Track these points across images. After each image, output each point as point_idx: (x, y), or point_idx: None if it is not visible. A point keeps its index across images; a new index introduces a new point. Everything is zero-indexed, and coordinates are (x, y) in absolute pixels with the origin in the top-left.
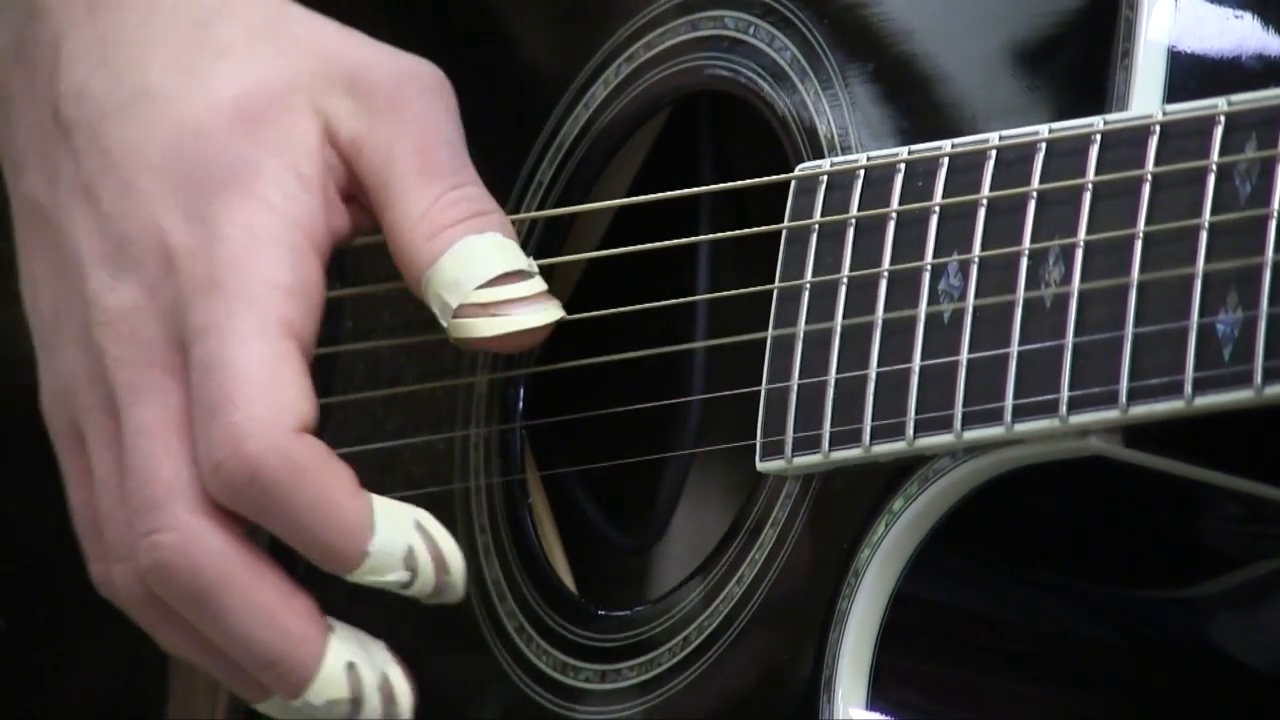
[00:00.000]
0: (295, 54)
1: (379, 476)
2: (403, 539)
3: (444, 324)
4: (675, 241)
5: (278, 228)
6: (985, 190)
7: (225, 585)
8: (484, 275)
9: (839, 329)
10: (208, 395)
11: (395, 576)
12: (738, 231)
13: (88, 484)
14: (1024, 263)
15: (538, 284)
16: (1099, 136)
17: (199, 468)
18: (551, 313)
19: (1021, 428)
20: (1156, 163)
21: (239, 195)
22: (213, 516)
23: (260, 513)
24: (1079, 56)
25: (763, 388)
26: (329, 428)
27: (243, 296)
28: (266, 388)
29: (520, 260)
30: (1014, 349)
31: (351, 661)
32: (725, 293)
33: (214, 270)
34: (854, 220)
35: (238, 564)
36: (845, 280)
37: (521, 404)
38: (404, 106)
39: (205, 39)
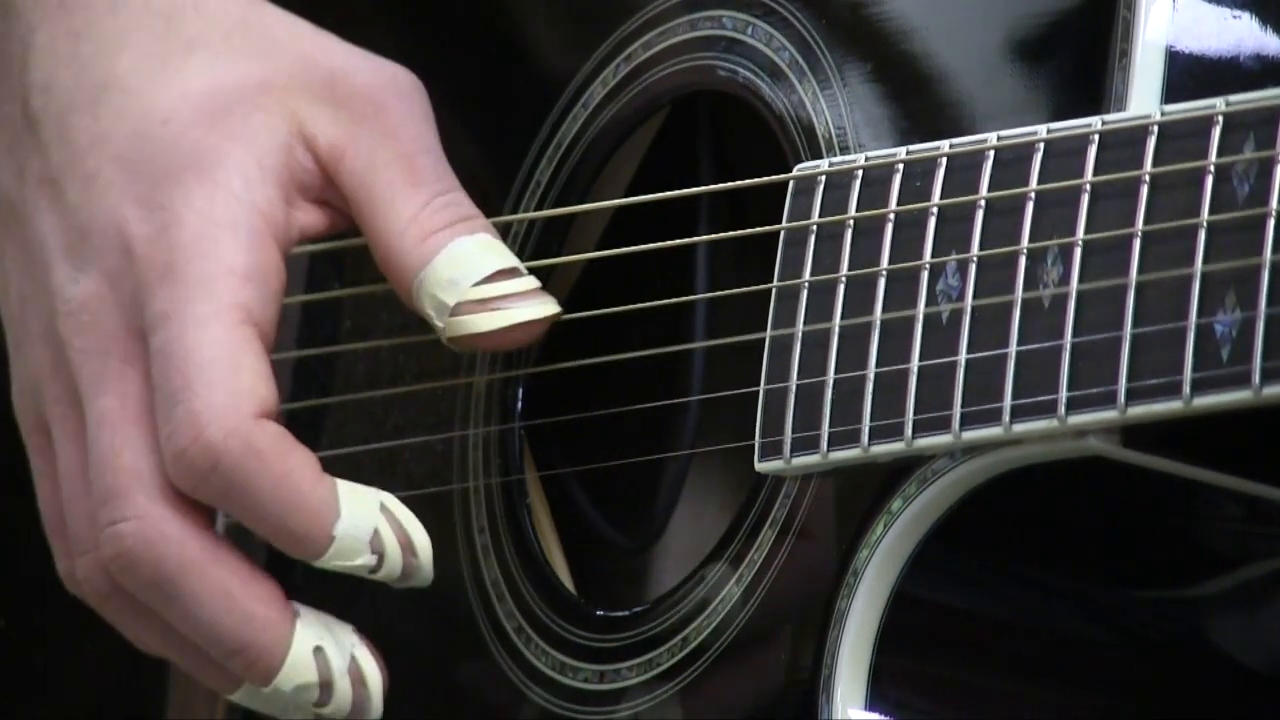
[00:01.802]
0: (271, 54)
1: (378, 476)
2: (368, 522)
3: (439, 324)
4: (674, 242)
5: (236, 213)
6: (983, 190)
7: (188, 572)
8: (480, 272)
9: (837, 329)
10: (168, 383)
11: (362, 560)
12: (736, 232)
13: (54, 479)
14: (1022, 263)
15: (531, 280)
16: (1097, 137)
17: (162, 455)
18: (549, 306)
19: (1020, 428)
20: (1155, 163)
21: (198, 181)
22: (174, 504)
23: (224, 499)
24: (1077, 57)
25: (761, 388)
26: (329, 428)
27: (200, 282)
28: (226, 374)
29: (511, 259)
30: (1012, 349)
31: (319, 645)
32: (723, 291)
33: (171, 257)
34: (852, 220)
35: (200, 551)
36: (843, 280)
37: (520, 404)
38: (385, 114)
39: (177, 33)
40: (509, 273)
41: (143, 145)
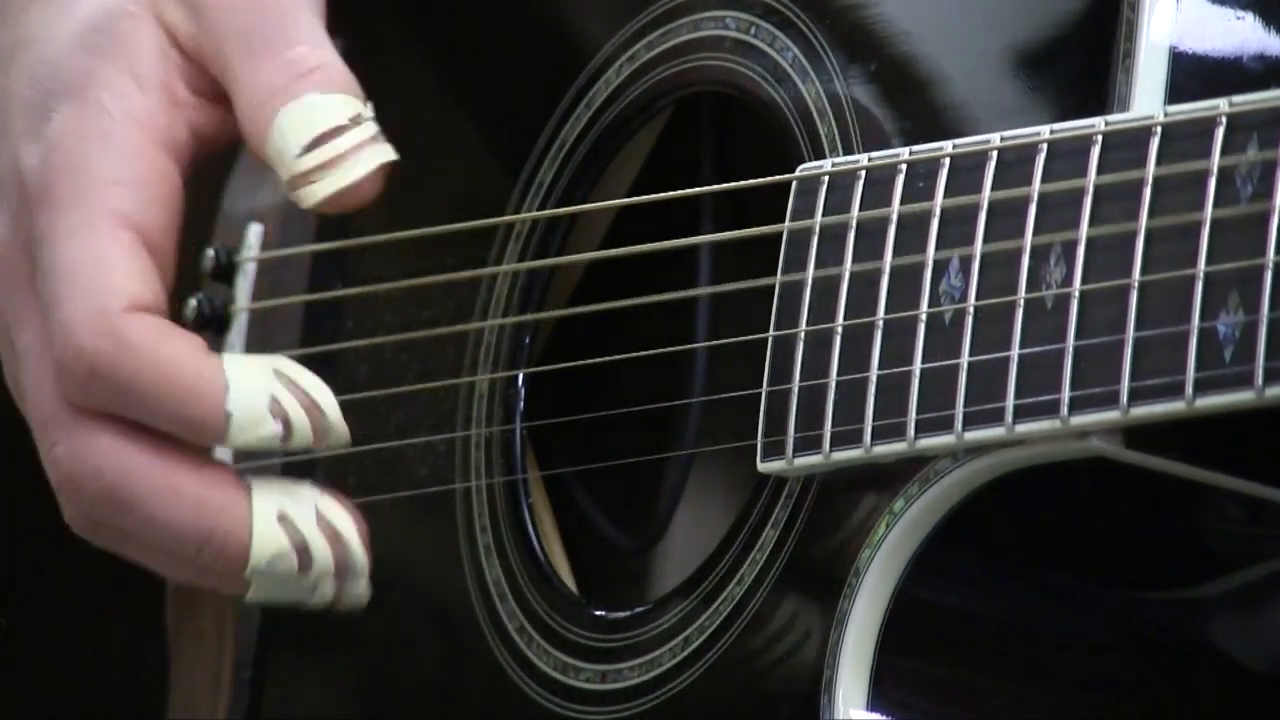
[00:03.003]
0: None
1: (380, 476)
2: (262, 389)
3: (292, 198)
4: (677, 242)
5: (106, 125)
6: (986, 191)
7: (128, 477)
8: (300, 141)
9: (840, 329)
10: (44, 299)
11: (268, 430)
12: (739, 232)
13: None
14: (1025, 263)
15: (361, 131)
16: (1100, 137)
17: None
18: (377, 155)
19: (1022, 429)
20: (1158, 164)
21: (71, 104)
22: (96, 417)
23: (112, 400)
24: (1080, 57)
25: (764, 389)
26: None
27: (69, 197)
28: (92, 277)
29: (341, 113)
30: (1015, 350)
31: (281, 512)
32: (725, 286)
33: (47, 180)
34: (855, 221)
35: (135, 453)
36: (846, 280)
37: (523, 404)
38: None
39: None
40: (337, 130)
41: (35, 85)
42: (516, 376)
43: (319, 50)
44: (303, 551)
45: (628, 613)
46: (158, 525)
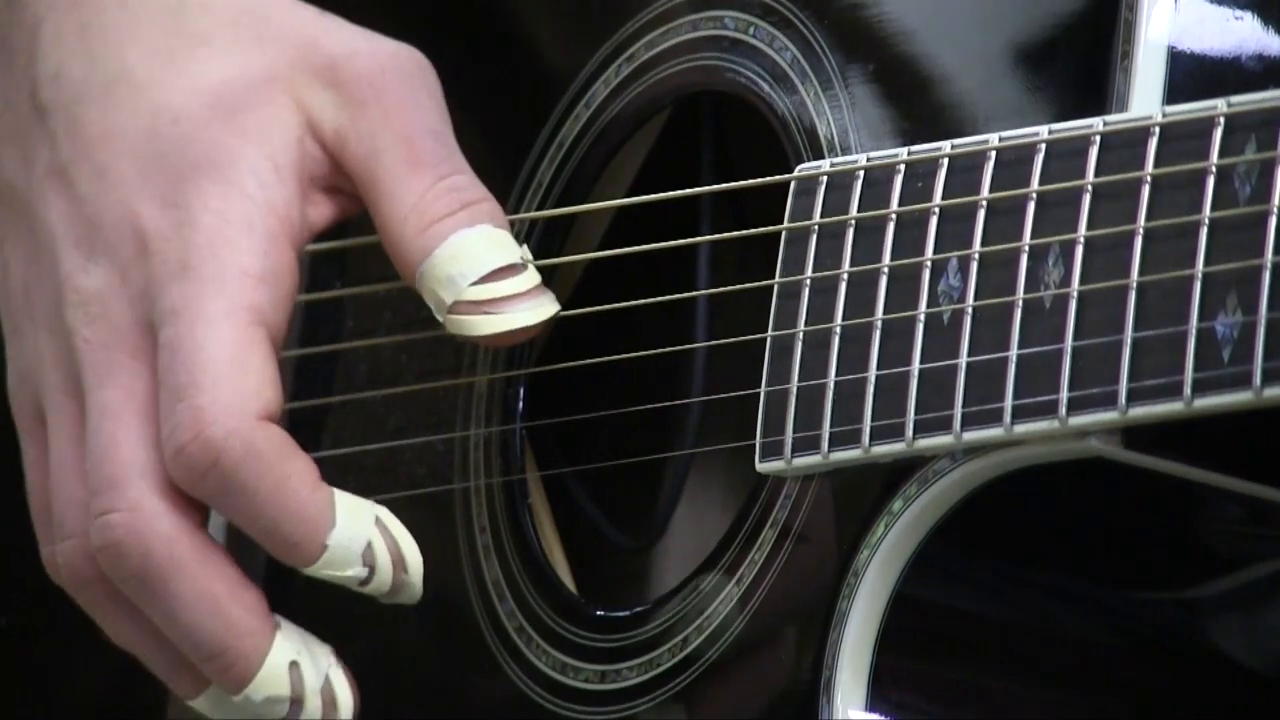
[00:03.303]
0: (275, 44)
1: (380, 476)
2: (362, 534)
3: (440, 318)
4: (676, 242)
5: (251, 214)
6: (985, 191)
7: (174, 570)
8: (477, 272)
9: (839, 330)
10: (174, 378)
11: (353, 572)
12: (738, 232)
13: (44, 467)
14: (1023, 264)
15: (532, 277)
16: (1098, 138)
17: (162, 450)
18: (546, 308)
19: (1021, 429)
20: (1156, 164)
21: (214, 181)
22: (168, 499)
23: (220, 498)
24: (1079, 58)
25: (762, 389)
26: (330, 427)
27: (213, 281)
28: (232, 373)
29: (514, 253)
30: (1013, 350)
31: (295, 660)
32: (724, 288)
33: (186, 255)
34: (854, 221)
35: (189, 549)
36: (845, 281)
37: (522, 404)
38: (386, 95)
39: (183, 26)
40: (510, 270)
41: (155, 142)
42: (515, 376)
43: (477, 184)
44: (297, 704)
45: (627, 613)
46: (179, 623)
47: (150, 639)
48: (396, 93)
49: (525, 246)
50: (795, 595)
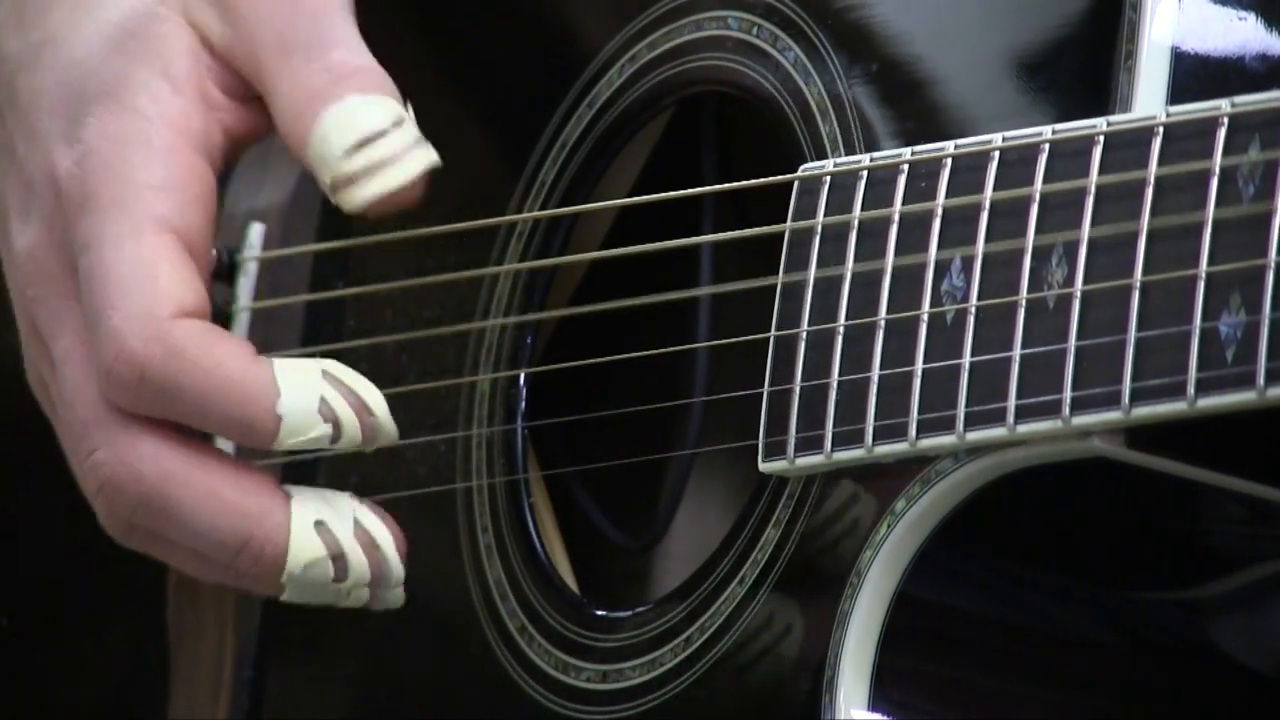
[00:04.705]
0: None
1: (381, 476)
2: (312, 392)
3: (334, 204)
4: (678, 242)
5: (145, 130)
6: (988, 191)
7: (168, 483)
8: (344, 144)
9: (842, 330)
10: (90, 306)
11: (318, 432)
12: (741, 232)
13: None
14: (1027, 263)
15: (404, 134)
16: (1102, 138)
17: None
18: (421, 159)
19: (1024, 429)
20: (1160, 164)
21: (107, 108)
22: (137, 422)
23: (162, 406)
24: (1082, 58)
25: (765, 389)
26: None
27: (112, 203)
28: (140, 283)
29: (384, 117)
30: (1017, 350)
31: (319, 519)
32: (727, 285)
33: (87, 185)
34: (857, 221)
35: (175, 459)
36: (848, 280)
37: (524, 404)
38: None
39: None
40: (382, 134)
41: (67, 89)
42: (518, 376)
43: (356, 53)
44: (339, 559)
45: (629, 612)
46: (196, 530)
47: (205, 564)
48: None
49: (403, 103)
50: (797, 595)
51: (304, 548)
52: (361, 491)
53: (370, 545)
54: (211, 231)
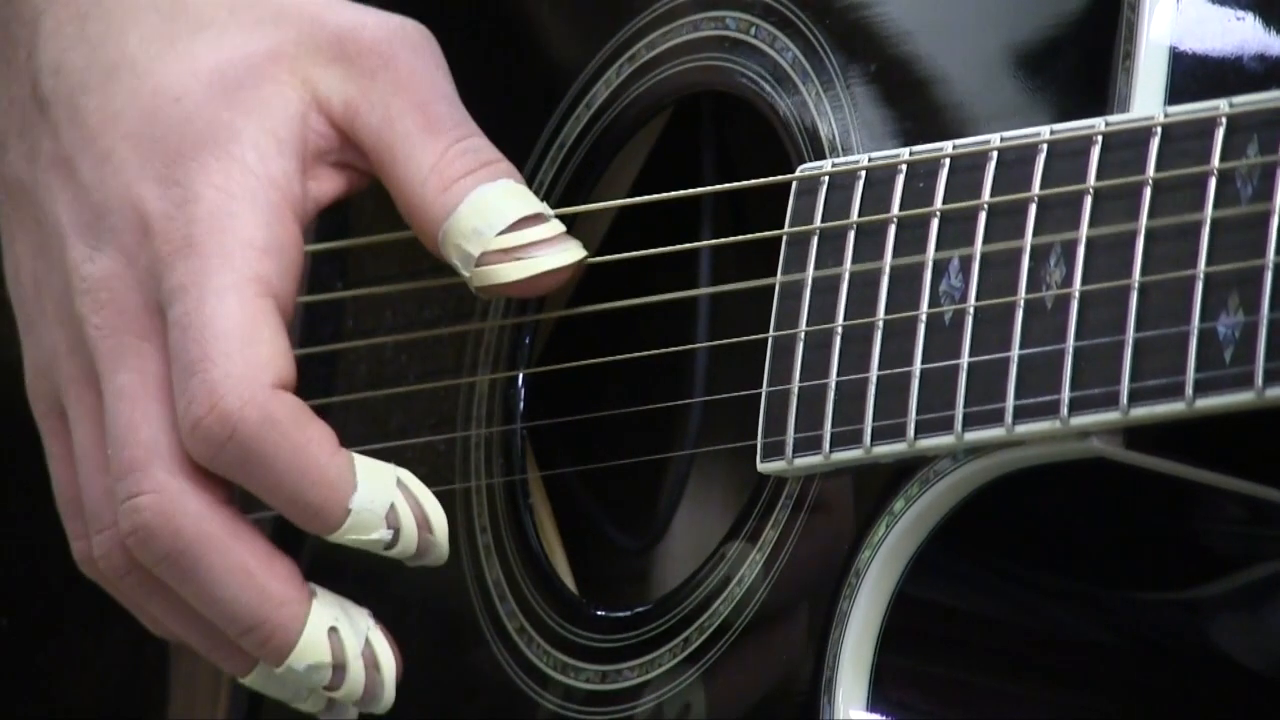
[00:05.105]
0: (277, 23)
1: None
2: (385, 496)
3: (466, 274)
4: (677, 247)
5: (253, 187)
6: (986, 192)
7: (205, 546)
8: (503, 221)
9: (840, 330)
10: (185, 354)
11: (378, 535)
12: (739, 237)
13: (69, 460)
14: (1025, 264)
15: (555, 225)
16: (1100, 138)
17: (179, 428)
18: (574, 252)
19: (1022, 429)
20: (1158, 165)
21: (214, 157)
22: (193, 478)
23: (240, 470)
24: (1080, 58)
25: (763, 389)
26: (331, 427)
27: (218, 255)
28: (243, 344)
29: (535, 205)
30: (1015, 351)
31: (334, 626)
32: (725, 287)
33: (189, 231)
34: (855, 221)
35: (218, 525)
36: (846, 281)
37: (523, 404)
38: (395, 65)
39: (183, 10)
40: (534, 219)
41: (156, 124)
42: (516, 376)
43: (490, 144)
44: (339, 670)
45: (628, 613)
46: (215, 599)
47: (193, 624)
48: (407, 62)
49: (545, 202)
50: (796, 596)
51: (313, 648)
52: None
53: (372, 666)
54: (296, 304)
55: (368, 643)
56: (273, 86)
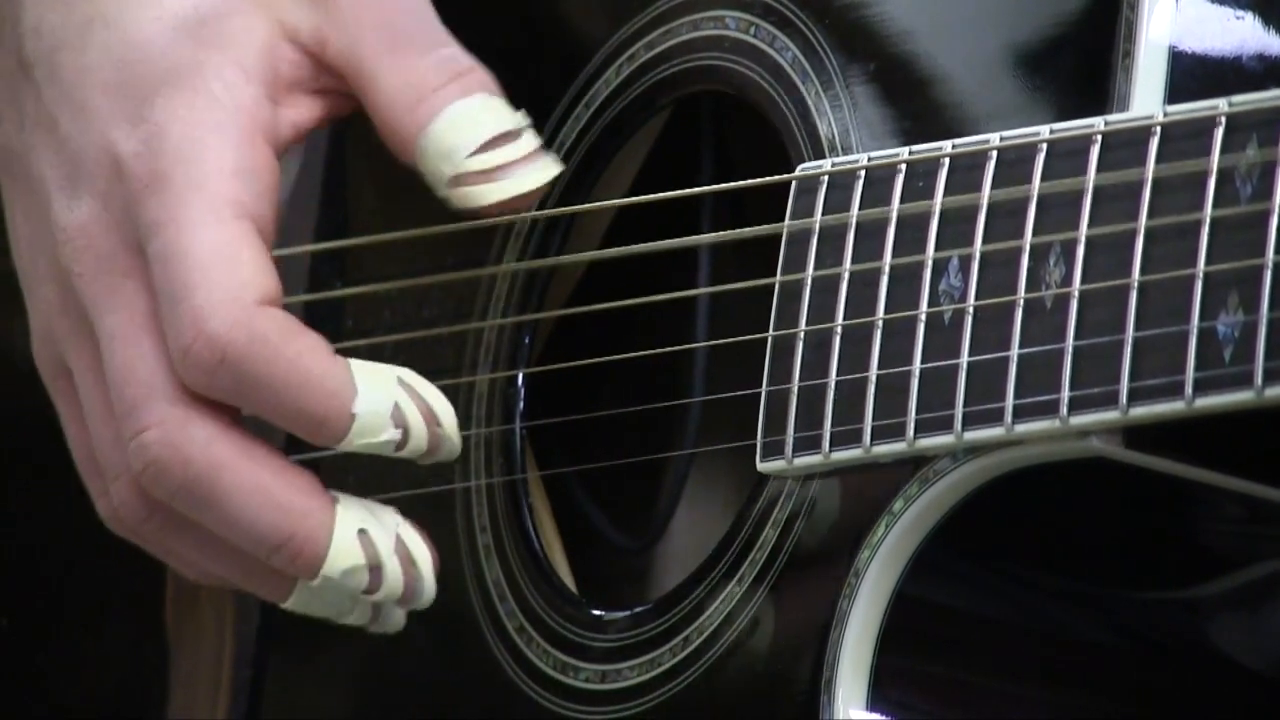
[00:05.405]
0: None
1: (381, 475)
2: (388, 396)
3: (442, 194)
4: (676, 242)
5: (219, 116)
6: (986, 191)
7: (217, 470)
8: (476, 140)
9: (839, 329)
10: (168, 286)
11: (387, 436)
12: (738, 232)
13: (81, 419)
14: (1024, 263)
15: (531, 140)
16: (1100, 137)
17: (172, 359)
18: (549, 169)
19: (1022, 428)
20: (1157, 163)
21: (179, 91)
22: (194, 406)
23: (237, 392)
24: (1080, 57)
25: (763, 389)
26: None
27: (190, 185)
28: (223, 267)
29: (511, 118)
30: (1014, 350)
31: (363, 528)
32: (725, 287)
33: (157, 165)
34: (854, 220)
35: (227, 448)
36: (846, 280)
37: (523, 404)
38: None
39: None
40: (508, 136)
41: (126, 68)
42: (516, 376)
43: (464, 53)
44: (376, 570)
45: (628, 613)
46: (237, 521)
47: (223, 555)
48: None
49: (521, 111)
50: (796, 595)
51: (345, 553)
52: (360, 491)
53: (408, 561)
54: (276, 224)
55: (399, 539)
56: (239, 19)
